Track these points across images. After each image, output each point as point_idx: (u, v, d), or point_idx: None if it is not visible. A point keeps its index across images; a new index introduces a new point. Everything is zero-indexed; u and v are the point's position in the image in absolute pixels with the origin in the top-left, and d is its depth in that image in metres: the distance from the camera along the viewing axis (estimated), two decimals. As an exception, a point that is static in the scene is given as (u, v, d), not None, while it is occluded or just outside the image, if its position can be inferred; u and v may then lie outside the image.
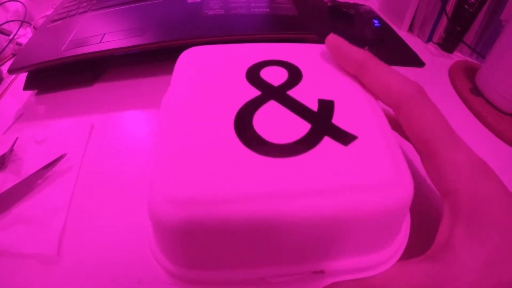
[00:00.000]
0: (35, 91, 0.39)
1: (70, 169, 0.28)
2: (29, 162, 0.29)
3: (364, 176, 0.12)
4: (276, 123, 0.14)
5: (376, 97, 0.16)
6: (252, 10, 0.38)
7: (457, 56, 0.45)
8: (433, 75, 0.41)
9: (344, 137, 0.13)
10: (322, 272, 0.13)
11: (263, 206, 0.11)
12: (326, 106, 0.14)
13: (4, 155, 0.29)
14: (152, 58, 0.39)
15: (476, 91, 0.37)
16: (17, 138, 0.30)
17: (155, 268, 0.14)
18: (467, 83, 0.39)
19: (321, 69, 0.17)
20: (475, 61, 0.43)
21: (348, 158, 0.13)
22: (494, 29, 0.41)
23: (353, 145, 0.13)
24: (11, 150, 0.29)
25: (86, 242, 0.24)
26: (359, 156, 0.13)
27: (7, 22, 0.50)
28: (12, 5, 0.55)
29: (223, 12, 0.38)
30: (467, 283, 0.13)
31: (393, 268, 0.14)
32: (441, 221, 0.15)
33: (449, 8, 0.42)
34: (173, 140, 0.13)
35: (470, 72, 0.40)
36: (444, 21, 0.44)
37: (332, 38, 0.17)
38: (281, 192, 0.11)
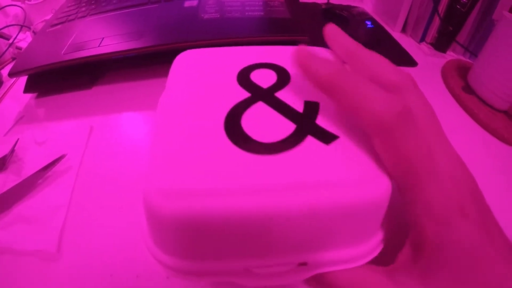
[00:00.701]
0: (35, 94, 0.40)
1: (70, 169, 0.29)
2: (30, 163, 0.29)
3: (342, 172, 0.13)
4: (263, 123, 0.15)
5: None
6: (246, 13, 0.39)
7: (450, 55, 0.46)
8: (426, 74, 0.42)
9: (326, 137, 0.14)
10: (305, 264, 0.14)
11: (247, 199, 0.12)
12: (311, 107, 0.15)
13: (5, 156, 0.29)
14: (150, 61, 0.39)
15: (468, 89, 0.38)
16: (18, 140, 0.31)
17: (152, 262, 0.15)
18: (460, 81, 0.39)
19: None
20: (468, 60, 0.44)
21: (329, 156, 0.13)
22: (487, 28, 0.41)
23: (334, 144, 0.14)
24: (12, 151, 0.30)
25: (86, 239, 0.24)
26: (339, 154, 0.13)
27: (6, 26, 0.51)
28: (11, 10, 0.56)
29: (219, 15, 0.38)
30: None
31: (362, 271, 0.15)
32: (405, 245, 0.15)
33: (441, 8, 0.43)
34: (167, 137, 0.14)
35: (462, 70, 0.41)
36: (436, 21, 0.45)
37: (296, 55, 0.15)
38: (264, 187, 0.12)
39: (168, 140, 0.14)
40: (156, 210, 0.12)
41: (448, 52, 0.46)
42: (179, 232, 0.13)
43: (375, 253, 0.15)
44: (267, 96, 0.16)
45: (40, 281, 0.22)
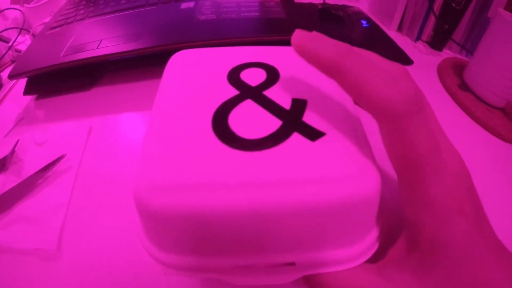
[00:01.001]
0: (34, 96, 0.40)
1: (69, 169, 0.29)
2: (30, 163, 0.30)
3: (329, 168, 0.13)
4: (250, 120, 0.15)
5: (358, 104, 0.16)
6: (242, 14, 0.39)
7: (447, 53, 0.46)
8: (422, 72, 0.42)
9: (312, 133, 0.14)
10: (293, 264, 0.14)
11: (230, 195, 0.12)
12: (299, 105, 0.15)
13: (5, 157, 0.30)
14: (148, 63, 0.40)
15: (464, 86, 0.38)
16: (18, 141, 0.31)
17: (146, 257, 0.15)
18: (456, 79, 0.40)
19: (299, 70, 0.17)
20: (464, 58, 0.44)
21: (314, 152, 0.13)
22: (482, 26, 0.42)
23: (320, 140, 0.14)
24: (12, 152, 0.30)
25: (85, 239, 0.25)
26: (325, 151, 0.13)
27: (6, 29, 0.52)
28: (10, 13, 0.57)
29: (215, 17, 0.39)
30: None
31: (350, 272, 0.14)
32: (398, 239, 0.15)
33: (437, 6, 0.43)
34: (156, 135, 0.14)
35: (458, 68, 0.41)
36: (432, 20, 0.45)
37: (296, 37, 0.14)
38: (249, 183, 0.12)
39: (158, 138, 0.14)
40: (145, 204, 0.13)
41: (444, 50, 0.46)
42: (167, 225, 0.13)
43: (368, 255, 0.15)
44: (255, 94, 0.16)
45: (40, 279, 0.22)
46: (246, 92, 0.16)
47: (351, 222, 0.14)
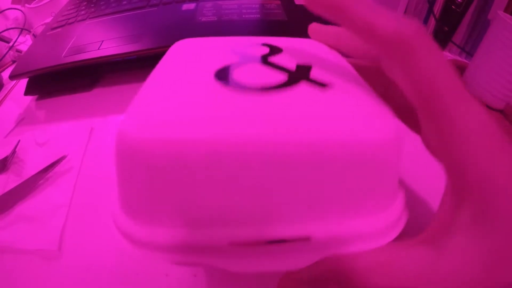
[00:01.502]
0: (35, 96, 0.40)
1: (71, 170, 0.29)
2: (31, 164, 0.30)
3: (342, 109, 0.12)
4: (255, 75, 0.14)
5: (361, 46, 0.15)
6: (243, 16, 0.39)
7: (446, 55, 0.46)
8: (422, 74, 0.42)
9: (321, 83, 0.13)
10: (307, 239, 0.11)
11: (224, 128, 0.10)
12: (304, 67, 0.15)
13: (6, 157, 0.30)
14: (148, 64, 0.39)
15: (464, 89, 0.38)
16: (19, 141, 0.31)
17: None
18: (456, 81, 0.40)
19: (301, 48, 0.18)
20: (464, 60, 0.44)
21: (326, 96, 0.12)
22: (482, 28, 0.42)
23: (330, 89, 0.13)
24: (13, 152, 0.31)
25: (86, 239, 0.25)
26: (337, 96, 0.12)
27: (6, 29, 0.52)
28: (11, 13, 0.57)
29: (216, 18, 0.39)
30: (469, 277, 0.11)
31: (383, 250, 0.12)
32: (442, 199, 0.12)
33: (437, 9, 0.44)
34: (152, 88, 0.14)
35: (458, 71, 0.41)
36: (432, 22, 0.45)
37: None
38: (248, 118, 0.11)
39: (152, 89, 0.13)
40: (123, 141, 0.11)
41: (444, 53, 0.46)
42: (147, 171, 0.11)
43: (400, 226, 0.12)
44: (260, 59, 0.16)
45: (41, 280, 0.22)
46: (251, 57, 0.16)
47: (373, 174, 0.11)
